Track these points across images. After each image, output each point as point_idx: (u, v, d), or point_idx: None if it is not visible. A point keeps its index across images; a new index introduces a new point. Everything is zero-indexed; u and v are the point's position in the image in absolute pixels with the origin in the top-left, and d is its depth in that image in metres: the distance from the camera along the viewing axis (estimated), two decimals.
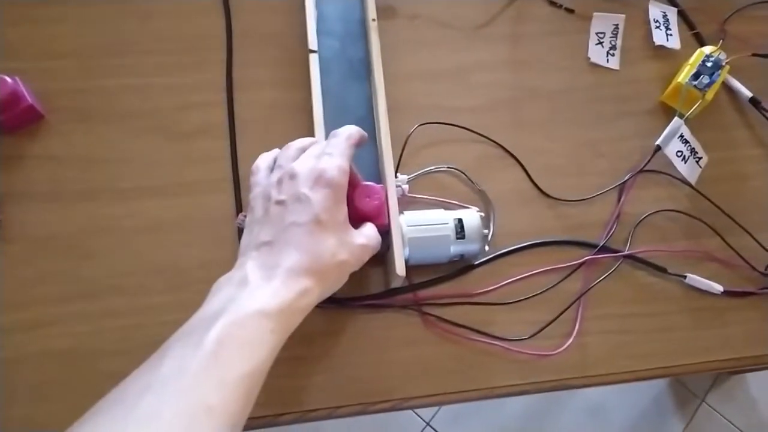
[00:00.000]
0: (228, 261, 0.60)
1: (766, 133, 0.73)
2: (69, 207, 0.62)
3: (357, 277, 0.61)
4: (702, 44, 0.76)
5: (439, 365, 0.61)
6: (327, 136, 0.58)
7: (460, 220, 0.60)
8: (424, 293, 0.63)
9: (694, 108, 0.69)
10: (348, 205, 0.56)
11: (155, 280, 0.61)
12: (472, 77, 0.73)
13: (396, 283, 0.60)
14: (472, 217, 0.61)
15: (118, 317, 0.59)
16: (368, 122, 0.65)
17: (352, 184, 0.56)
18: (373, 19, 0.67)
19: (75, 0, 0.70)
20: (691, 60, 0.71)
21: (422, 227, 0.59)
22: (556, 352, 0.61)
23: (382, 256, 0.63)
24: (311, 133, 0.66)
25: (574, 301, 0.63)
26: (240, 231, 0.61)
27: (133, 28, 0.70)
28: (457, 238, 0.60)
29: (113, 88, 0.67)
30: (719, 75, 0.69)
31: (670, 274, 0.65)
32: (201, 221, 0.64)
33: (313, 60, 0.64)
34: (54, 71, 0.67)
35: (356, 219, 0.57)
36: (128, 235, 0.62)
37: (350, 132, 0.54)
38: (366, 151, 0.63)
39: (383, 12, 0.72)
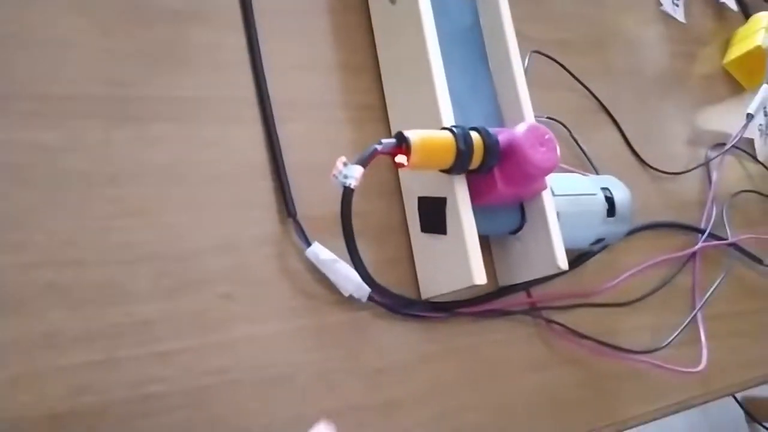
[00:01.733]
0: (272, 242, 0.35)
1: None
2: None
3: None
4: (745, 9, 0.68)
5: (566, 394, 0.43)
6: None
7: (610, 192, 0.43)
8: (537, 292, 0.44)
9: None
10: (506, 159, 0.35)
11: (136, 272, 0.32)
12: (550, 3, 0.55)
13: (536, 276, 0.40)
14: (620, 188, 0.44)
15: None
16: (475, 36, 0.43)
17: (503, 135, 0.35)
18: None
19: None
20: (763, 23, 0.63)
21: (573, 198, 0.41)
22: (699, 369, 0.48)
23: (487, 243, 0.43)
24: (367, 41, 0.42)
25: (701, 306, 0.51)
26: (287, 192, 0.36)
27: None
28: (608, 216, 0.42)
29: None
30: None
31: (765, 265, 0.56)
32: (213, 170, 0.36)
33: None
34: None
35: (516, 182, 0.36)
36: (68, 184, 0.32)
37: None
38: (477, 80, 0.42)
39: None
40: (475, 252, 0.35)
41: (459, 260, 0.35)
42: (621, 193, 0.43)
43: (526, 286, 0.43)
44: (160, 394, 0.31)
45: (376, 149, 0.33)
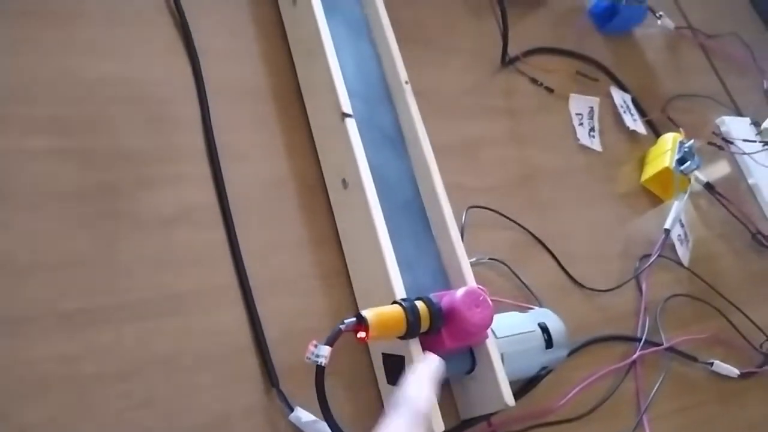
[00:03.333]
0: (260, 411, 0.41)
1: (721, 214, 0.78)
2: None
3: None
4: (655, 130, 0.79)
5: None
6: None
7: (545, 325, 0.50)
8: (497, 419, 0.50)
9: (687, 191, 0.70)
10: (449, 320, 0.42)
11: None
12: (479, 153, 0.64)
13: (486, 411, 0.47)
14: (553, 319, 0.51)
15: None
16: (416, 206, 0.51)
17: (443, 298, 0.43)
18: (406, 82, 0.54)
19: None
20: (668, 145, 0.73)
21: (513, 338, 0.48)
22: None
23: (447, 383, 0.49)
24: (327, 219, 0.50)
25: (645, 410, 0.57)
26: (270, 364, 0.43)
27: (50, 65, 0.47)
28: (546, 348, 0.49)
29: (31, 153, 0.43)
30: (701, 160, 0.72)
31: (699, 362, 0.63)
32: (207, 353, 0.42)
33: (351, 126, 0.49)
34: None
35: (460, 337, 0.43)
36: (86, 387, 0.38)
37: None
38: (422, 244, 0.50)
39: None
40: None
41: None
42: (555, 324, 0.51)
43: (486, 417, 0.49)
44: None
45: (340, 329, 0.40)
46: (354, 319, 0.40)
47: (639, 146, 0.77)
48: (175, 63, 0.51)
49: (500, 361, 0.45)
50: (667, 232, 0.67)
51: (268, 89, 0.55)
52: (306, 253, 0.50)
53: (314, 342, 0.39)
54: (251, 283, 0.46)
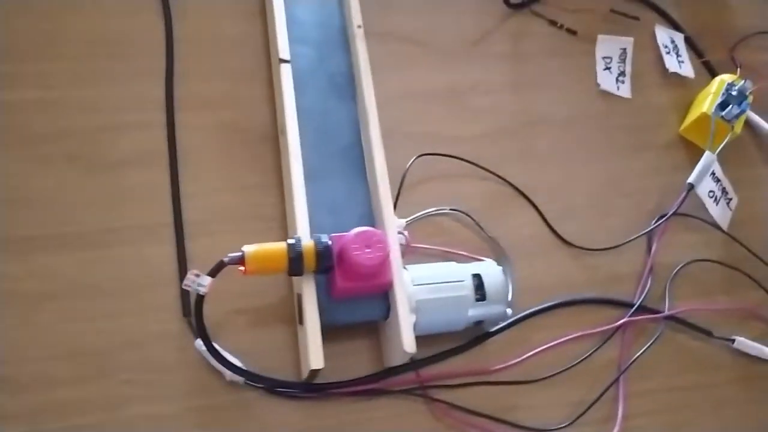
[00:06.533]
0: (167, 336, 0.44)
1: None
2: None
3: (342, 353, 0.47)
4: (712, 72, 0.68)
5: None
6: (306, 169, 0.45)
7: (478, 277, 0.47)
8: (429, 372, 0.48)
9: (724, 141, 0.59)
10: (340, 260, 0.42)
11: (62, 366, 0.43)
12: (469, 100, 0.61)
13: (400, 361, 0.45)
14: (492, 272, 0.48)
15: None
16: (356, 151, 0.51)
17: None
18: (359, 26, 0.54)
19: None
20: (713, 89, 0.62)
21: (433, 286, 0.45)
22: None
23: (375, 326, 0.48)
24: (277, 165, 0.52)
25: (616, 379, 0.51)
26: (188, 295, 0.45)
27: (41, 26, 0.53)
28: (477, 300, 0.46)
29: (11, 103, 0.50)
30: (747, 105, 0.61)
31: (716, 337, 0.54)
32: (133, 283, 0.47)
33: (285, 72, 0.50)
34: None
35: (352, 278, 0.42)
36: (28, 304, 0.45)
37: None
38: (354, 188, 0.49)
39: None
40: (314, 339, 0.41)
41: (305, 347, 0.42)
42: (494, 277, 0.47)
43: (415, 366, 0.48)
44: None
45: (222, 261, 0.41)
46: (238, 253, 0.41)
47: (686, 92, 0.66)
48: (149, 19, 0.56)
49: (406, 306, 0.43)
50: (691, 186, 0.58)
51: (238, 41, 0.57)
52: (249, 197, 0.51)
53: (195, 271, 0.41)
54: (186, 222, 0.49)
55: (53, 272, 0.46)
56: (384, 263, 0.42)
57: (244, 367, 0.44)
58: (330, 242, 0.42)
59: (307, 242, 0.42)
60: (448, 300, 0.45)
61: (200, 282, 0.41)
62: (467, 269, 0.47)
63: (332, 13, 0.56)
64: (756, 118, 0.66)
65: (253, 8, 0.59)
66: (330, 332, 0.43)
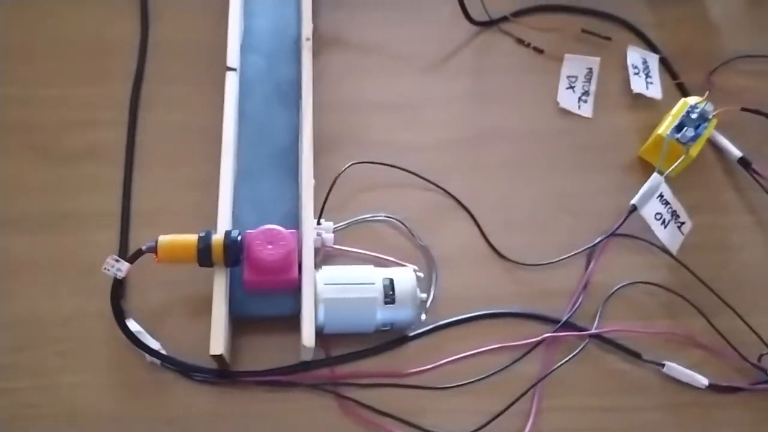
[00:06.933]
0: (100, 316, 0.47)
1: (758, 197, 0.63)
2: None
3: (261, 345, 0.49)
4: (686, 95, 0.67)
5: None
6: (239, 167, 0.48)
7: (390, 281, 0.49)
8: (343, 370, 0.51)
9: (675, 164, 0.59)
10: (248, 255, 0.44)
11: (1, 335, 0.48)
12: (425, 112, 0.63)
13: (305, 356, 0.48)
14: (406, 277, 0.49)
15: None
16: (292, 154, 0.54)
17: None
18: (308, 39, 0.57)
19: None
20: (674, 110, 0.62)
21: (342, 287, 0.48)
22: None
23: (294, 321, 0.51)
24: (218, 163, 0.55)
25: (529, 389, 0.51)
26: (109, 279, 0.49)
27: (22, 28, 0.59)
28: (386, 303, 0.48)
29: None
30: (705, 128, 0.60)
31: (645, 360, 0.54)
32: (74, 264, 0.51)
33: (230, 79, 0.54)
34: None
35: (257, 272, 0.45)
36: None
37: None
38: (283, 189, 0.52)
39: (326, 38, 0.63)
40: (216, 325, 0.44)
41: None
42: (405, 283, 0.49)
43: (328, 362, 0.50)
44: None
45: (140, 249, 0.45)
46: (153, 242, 0.45)
47: (652, 114, 0.65)
48: (127, 23, 0.61)
49: (310, 302, 0.46)
50: (634, 207, 0.58)
51: (205, 47, 0.61)
52: (194, 194, 0.55)
53: (114, 256, 0.45)
54: (133, 212, 0.53)
55: (1, 250, 0.51)
56: (288, 260, 0.45)
57: (160, 351, 0.47)
58: (239, 237, 0.45)
59: (217, 236, 0.45)
60: (356, 301, 0.48)
61: (119, 267, 0.45)
62: (382, 273, 0.49)
63: (289, 24, 0.59)
64: (725, 143, 0.65)
65: (225, 17, 0.63)
66: (253, 325, 0.47)
